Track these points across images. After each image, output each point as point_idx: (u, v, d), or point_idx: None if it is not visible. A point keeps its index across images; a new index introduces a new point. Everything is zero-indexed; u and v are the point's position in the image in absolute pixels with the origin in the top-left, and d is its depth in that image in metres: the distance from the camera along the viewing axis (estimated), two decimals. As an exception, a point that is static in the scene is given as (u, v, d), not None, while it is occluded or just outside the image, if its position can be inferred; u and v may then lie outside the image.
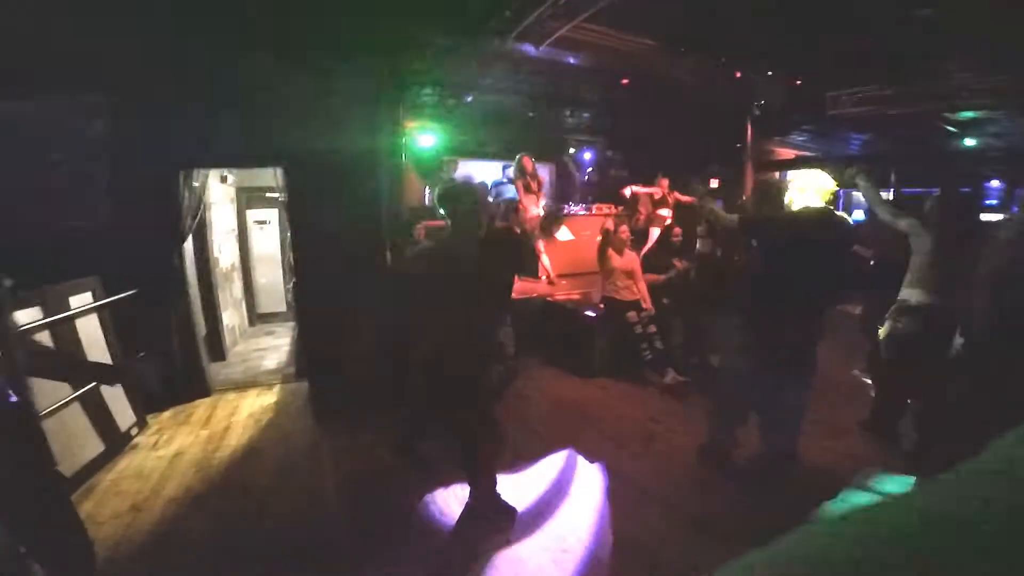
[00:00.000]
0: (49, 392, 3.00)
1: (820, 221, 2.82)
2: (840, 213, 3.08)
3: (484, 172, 8.80)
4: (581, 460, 3.34)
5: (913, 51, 5.69)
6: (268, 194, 7.13)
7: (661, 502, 2.84)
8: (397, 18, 3.91)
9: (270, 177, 5.90)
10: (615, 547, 2.48)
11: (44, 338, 3.18)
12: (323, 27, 3.71)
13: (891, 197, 9.01)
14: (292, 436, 3.88)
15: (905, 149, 9.37)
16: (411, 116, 7.49)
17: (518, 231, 5.42)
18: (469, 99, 7.05)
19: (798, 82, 6.82)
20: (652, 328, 4.82)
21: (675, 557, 2.38)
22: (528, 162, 6.45)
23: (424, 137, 7.65)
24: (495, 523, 2.58)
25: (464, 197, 2.61)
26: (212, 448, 3.67)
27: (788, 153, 10.92)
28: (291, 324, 7.04)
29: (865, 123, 8.21)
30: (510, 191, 6.80)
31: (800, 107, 7.52)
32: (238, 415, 4.32)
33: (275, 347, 6.55)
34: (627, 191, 6.61)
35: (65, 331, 3.41)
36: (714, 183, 7.52)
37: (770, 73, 6.52)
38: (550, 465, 3.29)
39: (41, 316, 3.21)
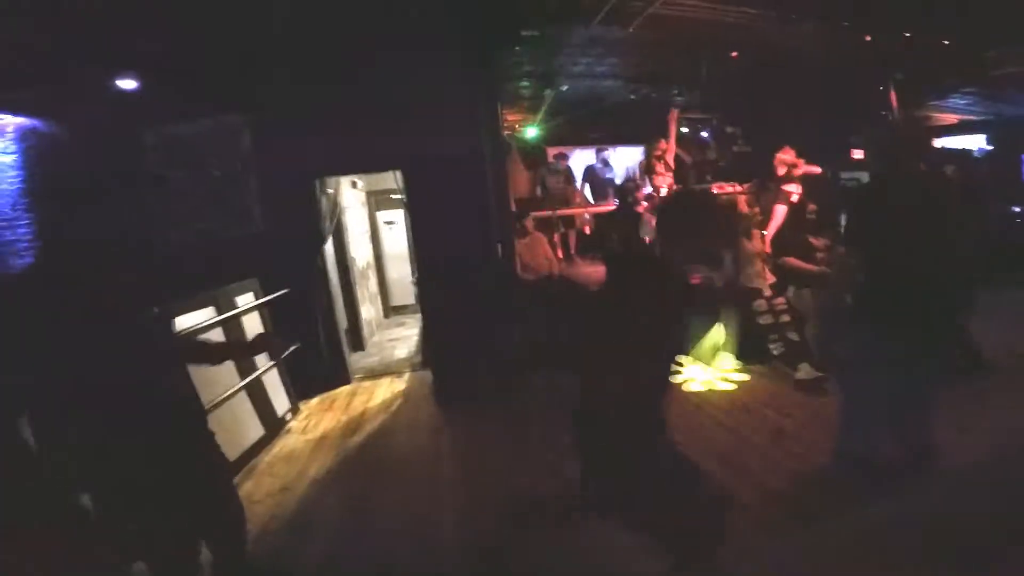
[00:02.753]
0: (220, 383, 3.56)
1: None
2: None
3: (586, 160, 8.69)
4: (702, 456, 3.14)
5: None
6: (394, 196, 7.69)
7: (788, 504, 2.58)
8: (487, 14, 3.97)
9: (394, 180, 6.36)
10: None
11: (216, 334, 3.77)
12: (423, 32, 3.89)
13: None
14: (417, 422, 4.17)
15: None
16: (511, 109, 7.59)
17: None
18: (564, 88, 6.95)
19: (945, 42, 5.76)
20: (785, 317, 4.36)
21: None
22: (664, 144, 6.30)
23: (526, 129, 7.72)
24: None
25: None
26: (350, 432, 4.08)
27: (950, 118, 9.35)
28: (418, 315, 7.58)
29: None
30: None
31: (956, 69, 6.39)
32: (372, 401, 4.76)
33: (406, 337, 7.09)
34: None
35: (234, 327, 4.01)
36: (858, 154, 6.59)
37: (907, 35, 5.56)
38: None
39: (215, 315, 3.80)
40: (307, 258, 4.89)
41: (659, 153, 6.68)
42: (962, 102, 8.79)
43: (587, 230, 7.64)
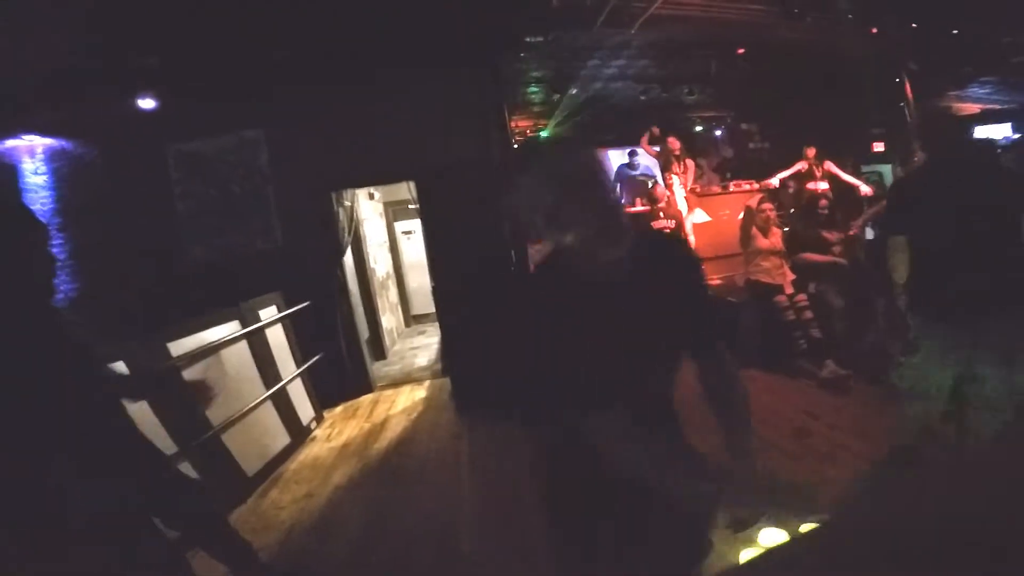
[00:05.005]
0: (246, 394, 3.66)
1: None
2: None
3: (618, 160, 8.63)
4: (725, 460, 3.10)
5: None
6: (410, 206, 7.82)
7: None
8: (488, 22, 4.03)
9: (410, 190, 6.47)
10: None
11: (242, 348, 3.87)
12: (425, 43, 3.98)
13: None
14: (437, 429, 4.21)
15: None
16: (521, 115, 7.65)
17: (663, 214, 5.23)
18: (573, 91, 6.98)
19: (955, 31, 5.62)
20: (808, 314, 4.28)
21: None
22: (674, 142, 6.16)
23: (537, 134, 7.76)
24: None
25: None
26: (372, 440, 4.15)
27: (971, 108, 9.09)
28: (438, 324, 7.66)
29: None
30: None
31: (971, 57, 6.21)
32: (394, 409, 4.82)
33: (426, 345, 7.16)
34: (774, 181, 5.83)
35: (259, 340, 4.11)
36: (879, 147, 6.46)
37: (915, 25, 5.45)
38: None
39: (239, 328, 3.91)
40: (327, 270, 5.00)
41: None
42: (983, 91, 8.57)
43: None
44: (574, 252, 1.07)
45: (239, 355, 3.82)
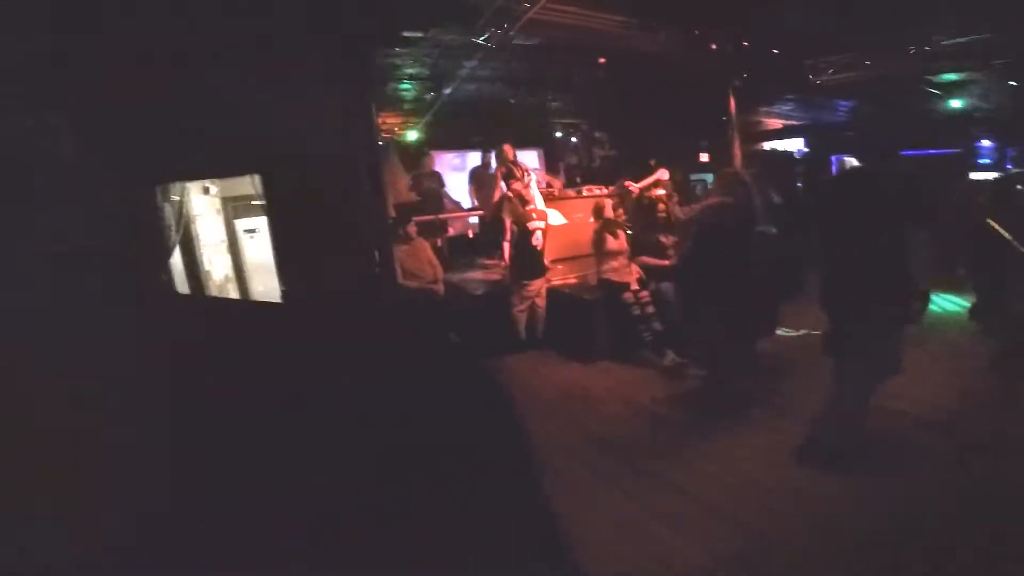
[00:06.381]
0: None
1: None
2: None
3: (470, 163, 8.72)
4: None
5: (887, 14, 5.64)
6: (254, 202, 7.04)
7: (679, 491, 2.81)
8: (363, 13, 3.81)
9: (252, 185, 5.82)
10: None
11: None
12: (288, 24, 3.59)
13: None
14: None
15: (892, 114, 9.24)
16: (390, 112, 7.38)
17: (508, 220, 5.35)
18: (447, 91, 6.91)
19: (775, 51, 6.70)
20: (649, 309, 4.75)
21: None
22: (509, 150, 6.34)
23: (407, 132, 7.55)
24: None
25: None
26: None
27: (776, 123, 10.83)
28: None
29: (849, 90, 8.14)
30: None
31: (782, 76, 7.43)
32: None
33: (275, 355, 6.52)
34: (631, 186, 6.28)
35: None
36: (704, 157, 7.41)
37: (745, 44, 6.39)
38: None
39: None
40: (149, 274, 4.28)
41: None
42: (785, 108, 10.14)
43: (471, 234, 7.65)
44: None
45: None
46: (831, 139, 10.02)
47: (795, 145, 10.71)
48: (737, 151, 7.32)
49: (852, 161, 8.93)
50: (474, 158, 8.52)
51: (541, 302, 5.32)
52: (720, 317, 3.60)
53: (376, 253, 4.22)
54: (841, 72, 7.21)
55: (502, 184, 6.12)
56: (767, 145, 10.46)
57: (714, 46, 6.17)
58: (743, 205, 3.66)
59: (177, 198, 4.58)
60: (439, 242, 6.81)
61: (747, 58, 6.57)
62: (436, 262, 5.31)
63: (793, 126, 10.94)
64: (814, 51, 6.98)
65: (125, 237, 4.01)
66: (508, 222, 5.34)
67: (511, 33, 5.02)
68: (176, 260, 4.94)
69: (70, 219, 3.97)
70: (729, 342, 3.71)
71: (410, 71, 6.26)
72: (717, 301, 3.59)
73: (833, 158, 9.82)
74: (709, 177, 7.91)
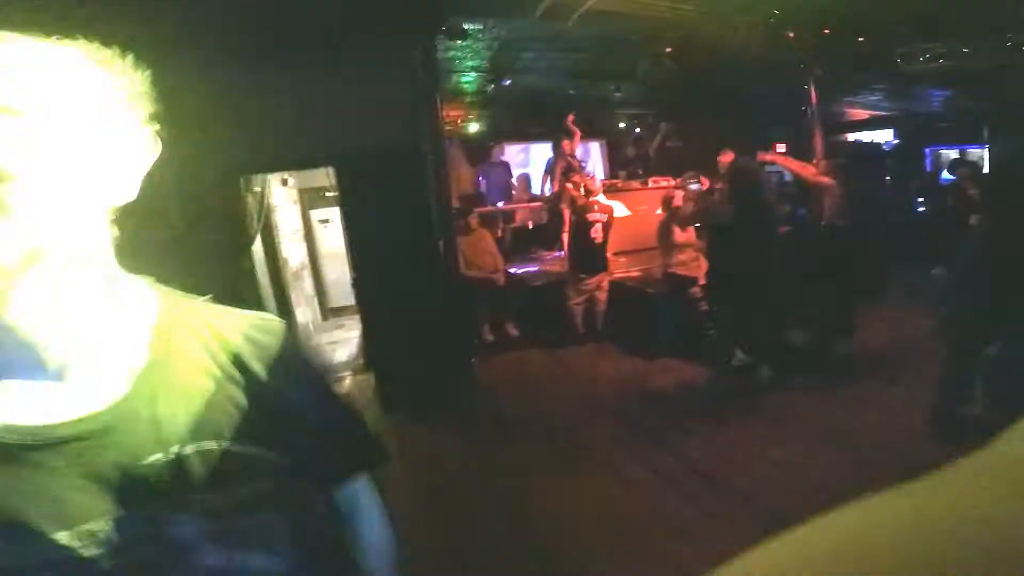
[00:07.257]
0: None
1: None
2: None
3: (533, 154, 8.69)
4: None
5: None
6: (328, 193, 7.39)
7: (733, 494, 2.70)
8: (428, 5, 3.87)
9: (326, 177, 6.10)
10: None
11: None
12: (354, 20, 3.72)
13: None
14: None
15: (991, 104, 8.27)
16: (453, 105, 7.48)
17: (567, 211, 5.30)
18: (507, 83, 6.91)
19: (860, 39, 6.18)
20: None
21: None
22: (567, 144, 6.30)
23: (468, 124, 7.64)
24: None
25: None
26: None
27: (861, 114, 10.07)
28: (358, 317, 7.34)
29: (946, 79, 7.39)
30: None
31: (868, 65, 6.84)
32: (312, 407, 4.56)
33: (346, 340, 6.84)
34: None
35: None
36: (781, 147, 6.98)
37: (827, 31, 5.92)
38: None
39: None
40: (232, 261, 4.59)
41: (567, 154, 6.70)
42: (872, 98, 9.44)
43: (530, 225, 7.65)
44: None
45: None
46: (925, 130, 9.21)
47: (883, 136, 9.95)
48: (819, 142, 6.85)
49: (951, 153, 8.16)
50: (539, 150, 8.49)
51: (602, 296, 5.24)
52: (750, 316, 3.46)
53: (440, 243, 4.32)
54: (934, 61, 6.58)
55: (560, 176, 6.10)
56: (852, 136, 9.77)
57: (791, 34, 5.78)
58: (747, 196, 3.52)
59: (259, 189, 4.88)
60: (499, 232, 6.87)
61: (828, 45, 6.12)
62: (497, 252, 5.36)
63: (881, 116, 10.17)
64: (905, 39, 6.39)
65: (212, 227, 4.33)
66: (567, 213, 5.29)
67: (569, 24, 4.93)
68: (257, 248, 5.28)
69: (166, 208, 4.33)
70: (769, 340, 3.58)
71: (471, 63, 6.30)
72: (738, 300, 3.46)
73: (926, 150, 9.03)
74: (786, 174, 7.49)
